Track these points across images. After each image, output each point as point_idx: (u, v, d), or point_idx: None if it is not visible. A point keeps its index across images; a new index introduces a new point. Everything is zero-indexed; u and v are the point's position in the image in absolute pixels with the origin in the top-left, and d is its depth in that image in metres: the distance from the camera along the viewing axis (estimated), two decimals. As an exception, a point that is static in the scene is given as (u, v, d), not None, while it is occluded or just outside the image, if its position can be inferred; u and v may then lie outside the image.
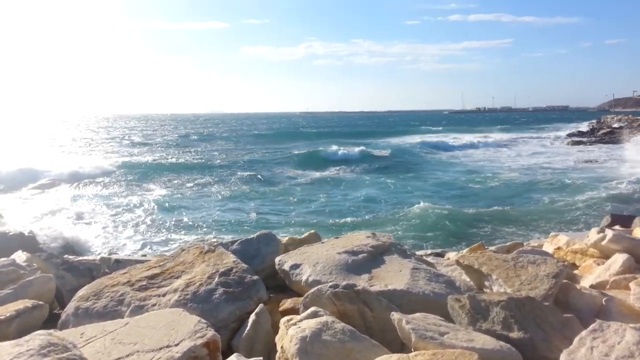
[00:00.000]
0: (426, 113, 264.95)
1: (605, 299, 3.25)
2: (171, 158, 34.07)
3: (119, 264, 4.23)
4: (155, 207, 16.70)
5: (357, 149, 36.23)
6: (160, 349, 2.46)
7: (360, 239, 4.17)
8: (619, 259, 3.98)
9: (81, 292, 3.41)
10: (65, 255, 4.38)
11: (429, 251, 6.81)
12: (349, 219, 15.02)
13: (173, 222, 14.61)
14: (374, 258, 3.83)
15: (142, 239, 12.70)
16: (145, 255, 5.01)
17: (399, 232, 12.95)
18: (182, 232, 13.47)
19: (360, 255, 3.79)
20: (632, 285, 3.25)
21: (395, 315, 2.59)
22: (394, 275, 3.50)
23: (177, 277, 3.48)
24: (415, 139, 50.33)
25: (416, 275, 3.46)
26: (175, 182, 23.14)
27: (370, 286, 3.28)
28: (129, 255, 5.43)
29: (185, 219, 15.04)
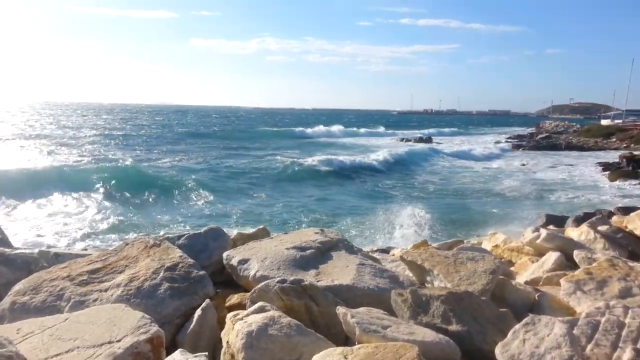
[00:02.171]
0: (377, 112, 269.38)
1: (538, 294, 3.45)
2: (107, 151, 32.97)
3: (59, 257, 4.06)
4: (96, 201, 16.11)
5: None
6: (102, 345, 2.40)
7: (309, 235, 4.21)
8: (551, 257, 4.22)
9: (18, 287, 3.25)
10: (1, 248, 4.15)
11: (375, 247, 6.96)
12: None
13: (116, 218, 14.16)
14: (321, 254, 3.89)
15: (82, 233, 12.24)
16: (86, 249, 4.84)
17: (347, 229, 13.16)
18: (126, 228, 13.09)
19: (308, 251, 3.83)
20: (562, 281, 3.46)
21: (340, 310, 2.64)
22: (340, 271, 3.57)
23: (120, 272, 3.39)
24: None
25: (362, 271, 3.54)
26: (117, 176, 22.42)
27: (317, 281, 3.33)
28: (69, 248, 5.22)
29: (130, 215, 14.61)
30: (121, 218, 14.10)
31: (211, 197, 17.56)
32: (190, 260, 3.55)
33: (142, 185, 18.13)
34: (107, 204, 15.62)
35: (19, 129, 47.68)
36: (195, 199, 17.52)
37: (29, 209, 14.38)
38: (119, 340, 2.41)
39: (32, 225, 12.71)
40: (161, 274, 3.29)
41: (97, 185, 17.72)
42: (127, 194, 16.99)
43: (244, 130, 52.99)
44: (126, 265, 3.47)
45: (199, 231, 4.31)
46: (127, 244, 3.80)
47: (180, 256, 3.57)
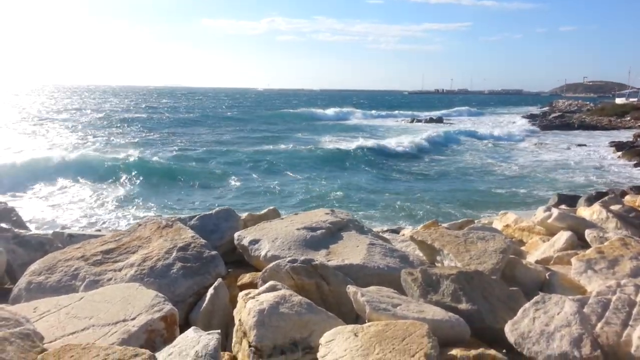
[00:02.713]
0: (388, 93, 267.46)
1: (548, 273, 3.45)
2: (128, 133, 33.09)
3: (73, 238, 4.13)
4: (110, 186, 16.27)
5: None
6: (117, 323, 2.45)
7: (319, 216, 4.23)
8: (563, 236, 4.21)
9: (33, 267, 3.32)
10: (16, 229, 4.23)
11: (385, 227, 6.97)
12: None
13: (131, 200, 14.32)
14: (332, 234, 3.91)
15: (95, 215, 12.41)
16: (99, 230, 4.91)
17: (355, 210, 13.20)
18: (139, 210, 13.22)
19: (319, 231, 3.85)
20: (573, 260, 3.46)
21: (350, 289, 2.67)
22: (350, 251, 3.59)
23: (134, 252, 3.44)
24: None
25: (372, 251, 3.56)
26: (135, 159, 22.62)
27: (328, 261, 3.35)
28: (83, 229, 5.30)
29: (146, 197, 14.76)
30: (135, 200, 14.25)
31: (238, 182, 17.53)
32: (202, 241, 3.59)
33: (167, 173, 18.26)
34: (121, 189, 15.76)
35: (28, 113, 47.82)
36: (232, 182, 17.45)
37: (42, 194, 14.56)
38: (133, 319, 2.46)
39: (46, 208, 12.89)
40: (174, 254, 3.34)
41: (112, 172, 17.84)
42: (140, 179, 17.11)
43: (260, 115, 51.18)
44: (139, 246, 3.53)
45: (210, 212, 4.34)
46: (139, 225, 3.86)
47: (193, 236, 3.61)
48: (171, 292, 3.03)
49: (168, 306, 2.55)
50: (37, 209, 12.57)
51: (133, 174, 17.49)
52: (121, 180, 16.87)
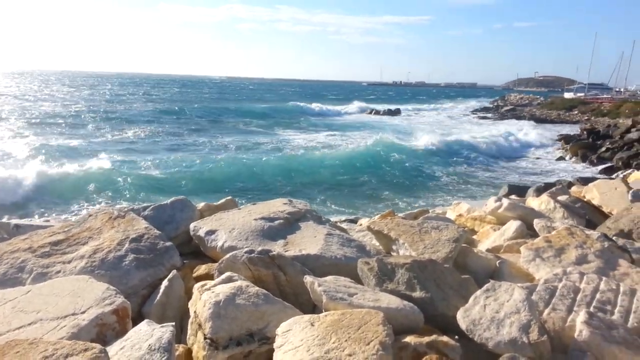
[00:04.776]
0: (348, 84, 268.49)
1: (499, 261, 3.56)
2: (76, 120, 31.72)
3: (19, 229, 3.95)
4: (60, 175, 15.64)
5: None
6: (66, 317, 2.37)
7: (277, 206, 4.21)
8: (512, 226, 4.35)
9: (-24, 260, 3.16)
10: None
11: (343, 218, 7.03)
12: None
13: (77, 188, 13.82)
14: (289, 224, 3.90)
15: (43, 203, 11.92)
16: (48, 221, 4.72)
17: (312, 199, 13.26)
18: (88, 199, 12.79)
19: (277, 222, 3.84)
20: (522, 249, 3.58)
21: (307, 279, 2.67)
22: (308, 241, 3.60)
23: (84, 244, 3.32)
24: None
25: (329, 241, 3.57)
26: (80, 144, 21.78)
27: (285, 251, 3.35)
28: (30, 220, 5.08)
29: (94, 185, 14.26)
30: (85, 191, 13.76)
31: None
32: (156, 232, 3.51)
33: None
34: (70, 178, 15.18)
35: None
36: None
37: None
38: (83, 312, 2.38)
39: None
40: (126, 245, 3.25)
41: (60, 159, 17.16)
42: (91, 170, 16.53)
43: (231, 109, 47.94)
44: (90, 237, 3.41)
45: (165, 202, 4.25)
46: (90, 215, 3.73)
47: (146, 227, 3.52)
48: (123, 285, 2.95)
49: (120, 299, 2.49)
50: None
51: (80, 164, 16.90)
52: (70, 170, 16.26)
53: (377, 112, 53.12)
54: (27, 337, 2.14)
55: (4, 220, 4.23)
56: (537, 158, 24.49)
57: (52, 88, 72.88)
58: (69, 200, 12.66)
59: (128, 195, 13.53)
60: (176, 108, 42.58)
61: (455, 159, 22.26)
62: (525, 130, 32.12)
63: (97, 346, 1.92)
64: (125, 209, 3.84)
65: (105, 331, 2.33)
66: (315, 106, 53.27)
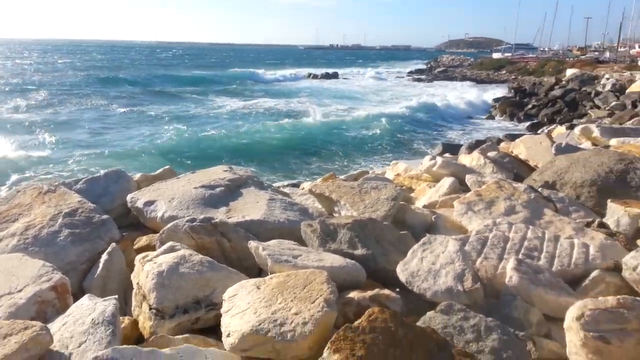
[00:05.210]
0: (283, 47, 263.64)
1: (434, 216, 3.73)
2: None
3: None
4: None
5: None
6: (1, 296, 2.27)
7: (218, 173, 4.16)
8: (446, 182, 4.54)
9: None
10: None
11: (285, 182, 7.05)
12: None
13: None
14: (231, 191, 3.87)
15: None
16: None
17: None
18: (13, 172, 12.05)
19: (218, 189, 3.80)
20: (455, 203, 3.76)
21: (252, 244, 2.69)
22: (251, 207, 3.60)
23: (14, 221, 3.16)
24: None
25: (272, 205, 3.59)
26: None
27: (228, 218, 3.34)
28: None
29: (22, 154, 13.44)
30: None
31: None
32: (91, 205, 3.39)
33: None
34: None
35: None
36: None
37: None
38: (20, 291, 2.29)
39: None
40: (59, 221, 3.12)
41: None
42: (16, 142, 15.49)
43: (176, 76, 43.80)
44: (19, 214, 3.24)
45: (99, 174, 4.08)
46: (18, 192, 3.53)
47: (79, 201, 3.39)
48: (60, 261, 2.85)
49: (57, 275, 2.41)
50: None
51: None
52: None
53: (316, 76, 52.84)
54: (-42, 320, 2.04)
55: None
56: (469, 117, 25.46)
57: None
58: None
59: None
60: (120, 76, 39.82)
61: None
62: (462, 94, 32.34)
63: (38, 324, 1.86)
64: (56, 184, 3.67)
65: (45, 308, 2.26)
66: (259, 72, 52.07)
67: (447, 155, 7.79)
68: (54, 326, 2.04)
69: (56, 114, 22.06)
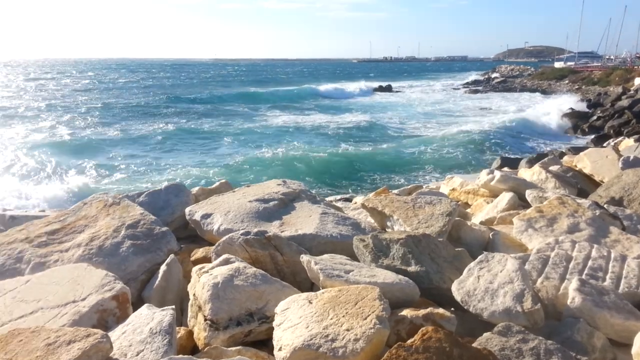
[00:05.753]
0: (337, 62, 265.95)
1: (492, 233, 3.61)
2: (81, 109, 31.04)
3: (15, 220, 3.95)
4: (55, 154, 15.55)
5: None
6: (66, 304, 2.40)
7: (271, 187, 4.23)
8: (505, 197, 4.40)
9: (-27, 252, 3.17)
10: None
11: (337, 197, 7.06)
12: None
13: (74, 174, 13.79)
14: (284, 205, 3.93)
15: (40, 195, 11.88)
16: (43, 211, 4.72)
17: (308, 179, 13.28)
18: (83, 184, 12.75)
19: (271, 203, 3.86)
20: (514, 220, 3.63)
21: (304, 258, 2.71)
22: (303, 221, 3.62)
23: (80, 232, 3.34)
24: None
25: (325, 220, 3.60)
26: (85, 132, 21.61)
27: (281, 232, 3.38)
28: (25, 210, 5.09)
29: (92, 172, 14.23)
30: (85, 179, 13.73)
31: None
32: (152, 217, 3.52)
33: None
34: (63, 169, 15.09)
35: None
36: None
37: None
38: (83, 299, 2.41)
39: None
40: (122, 232, 3.27)
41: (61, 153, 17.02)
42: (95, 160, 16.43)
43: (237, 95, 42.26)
44: (86, 225, 3.42)
45: (160, 188, 4.25)
46: (85, 204, 3.73)
47: (141, 213, 3.54)
48: (122, 271, 2.98)
49: (119, 285, 2.51)
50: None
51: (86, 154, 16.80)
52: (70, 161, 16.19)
53: (369, 90, 52.57)
54: (29, 325, 2.16)
55: (-1, 212, 4.22)
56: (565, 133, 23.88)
57: (46, 78, 71.08)
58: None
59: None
60: (192, 96, 40.74)
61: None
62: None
63: (99, 332, 1.95)
64: (120, 196, 3.85)
65: (107, 317, 2.37)
66: (313, 87, 52.25)
67: (505, 169, 7.55)
68: (114, 334, 2.13)
69: (122, 131, 23.16)
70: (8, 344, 1.95)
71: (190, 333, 2.45)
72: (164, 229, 3.45)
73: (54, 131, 22.27)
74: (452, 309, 2.47)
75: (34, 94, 42.12)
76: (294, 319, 2.16)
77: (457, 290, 2.47)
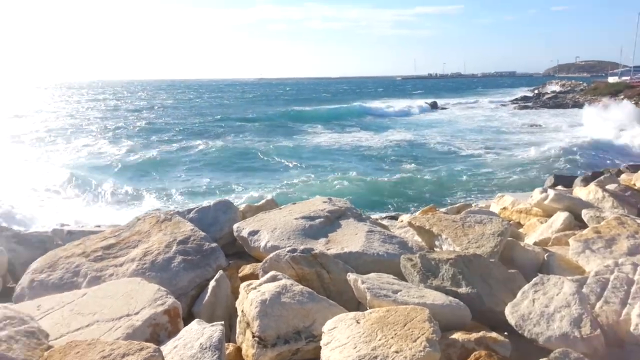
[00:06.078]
0: (380, 79, 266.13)
1: (547, 254, 3.48)
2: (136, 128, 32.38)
3: (72, 235, 4.14)
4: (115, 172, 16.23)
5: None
6: (120, 318, 2.47)
7: (317, 205, 4.24)
8: (560, 217, 4.24)
9: (35, 265, 3.33)
10: (16, 228, 4.23)
11: (383, 214, 7.00)
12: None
13: (130, 191, 14.32)
14: (330, 222, 3.92)
15: (92, 209, 12.39)
16: (99, 226, 4.92)
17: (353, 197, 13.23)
18: (138, 202, 13.22)
19: (317, 220, 3.87)
20: (570, 241, 3.49)
21: (351, 276, 2.68)
22: (349, 239, 3.61)
23: (134, 247, 3.45)
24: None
25: (371, 238, 3.57)
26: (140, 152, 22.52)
27: (327, 250, 3.37)
28: (82, 226, 5.32)
29: (146, 189, 14.76)
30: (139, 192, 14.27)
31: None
32: (202, 233, 3.60)
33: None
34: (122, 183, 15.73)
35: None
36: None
37: (43, 192, 14.48)
38: (137, 313, 2.48)
39: (45, 205, 12.85)
40: (174, 248, 3.35)
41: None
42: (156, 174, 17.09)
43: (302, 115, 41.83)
44: (139, 240, 3.53)
45: (208, 204, 4.35)
46: (138, 219, 3.86)
47: (192, 229, 3.62)
48: (173, 286, 3.04)
49: (171, 299, 2.57)
50: (37, 207, 12.53)
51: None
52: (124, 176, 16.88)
53: (428, 106, 51.64)
54: (85, 338, 2.24)
55: (57, 227, 4.43)
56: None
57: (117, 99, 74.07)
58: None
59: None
60: (237, 116, 41.50)
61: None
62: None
63: (152, 345, 1.99)
64: (171, 212, 3.96)
65: (159, 331, 2.42)
66: (379, 105, 52.02)
67: (559, 187, 7.28)
68: (166, 349, 2.17)
69: (171, 150, 23.90)
70: (66, 355, 2.02)
71: (238, 349, 2.46)
72: (213, 245, 3.51)
73: (108, 150, 23.25)
74: (506, 333, 2.38)
75: (91, 114, 44.27)
76: (341, 339, 2.14)
77: (511, 313, 2.38)
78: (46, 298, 2.82)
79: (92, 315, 2.53)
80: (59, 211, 12.21)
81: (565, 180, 10.82)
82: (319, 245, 3.46)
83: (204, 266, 3.29)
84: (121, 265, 3.25)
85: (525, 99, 58.96)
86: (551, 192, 4.68)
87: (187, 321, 2.56)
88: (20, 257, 3.80)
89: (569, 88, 66.76)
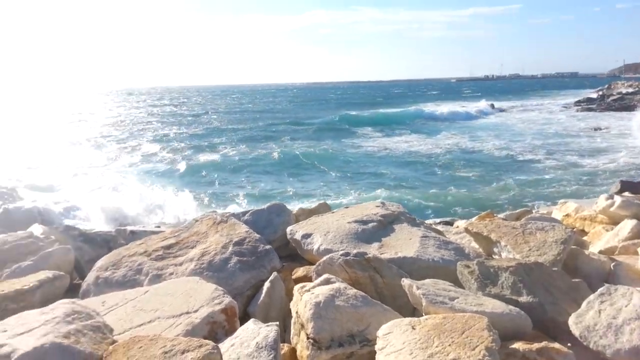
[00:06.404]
0: (435, 81, 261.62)
1: (613, 264, 3.30)
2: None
3: (135, 235, 4.33)
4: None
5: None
6: (180, 315, 2.55)
7: (370, 209, 4.22)
8: (627, 225, 4.02)
9: (100, 263, 3.50)
10: (82, 228, 4.47)
11: (438, 220, 6.86)
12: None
13: (190, 194, 14.82)
14: (383, 227, 3.89)
15: (149, 210, 12.87)
16: (159, 227, 5.11)
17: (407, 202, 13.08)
18: (196, 204, 13.65)
19: (370, 224, 3.85)
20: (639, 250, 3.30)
21: (405, 282, 2.65)
22: (403, 243, 3.56)
23: (192, 247, 3.56)
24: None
25: (425, 243, 3.52)
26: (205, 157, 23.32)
27: (381, 254, 3.35)
28: (143, 226, 5.56)
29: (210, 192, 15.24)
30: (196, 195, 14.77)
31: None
32: (256, 235, 3.67)
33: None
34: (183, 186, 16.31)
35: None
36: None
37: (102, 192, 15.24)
38: (195, 311, 2.55)
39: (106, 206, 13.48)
40: (230, 249, 3.43)
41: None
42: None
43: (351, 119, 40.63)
44: (197, 241, 3.64)
45: (263, 207, 4.42)
46: (196, 221, 3.98)
47: (247, 231, 3.70)
48: (229, 286, 3.11)
49: (227, 299, 2.63)
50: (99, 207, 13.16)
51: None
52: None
53: (486, 109, 50.25)
54: (147, 333, 2.33)
55: (120, 227, 4.65)
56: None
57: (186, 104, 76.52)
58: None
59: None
60: (289, 120, 41.65)
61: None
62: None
63: (211, 343, 2.04)
64: (227, 215, 4.06)
65: (216, 329, 2.48)
66: (433, 108, 51.03)
67: (626, 194, 6.89)
68: (224, 346, 2.22)
69: (228, 154, 24.53)
70: (130, 349, 2.11)
71: (293, 350, 2.49)
72: (268, 246, 3.57)
73: (165, 155, 24.13)
74: (569, 344, 2.27)
75: (154, 119, 46.17)
76: (397, 344, 2.11)
77: (575, 324, 2.28)
78: (110, 294, 2.96)
79: (154, 312, 2.62)
80: (121, 212, 12.78)
81: (632, 186, 10.20)
82: (372, 250, 3.44)
83: (258, 267, 3.35)
84: (181, 264, 3.36)
85: (589, 100, 56.24)
86: (618, 199, 4.45)
87: (242, 321, 2.61)
88: (86, 255, 4.02)
89: (637, 89, 63.14)
